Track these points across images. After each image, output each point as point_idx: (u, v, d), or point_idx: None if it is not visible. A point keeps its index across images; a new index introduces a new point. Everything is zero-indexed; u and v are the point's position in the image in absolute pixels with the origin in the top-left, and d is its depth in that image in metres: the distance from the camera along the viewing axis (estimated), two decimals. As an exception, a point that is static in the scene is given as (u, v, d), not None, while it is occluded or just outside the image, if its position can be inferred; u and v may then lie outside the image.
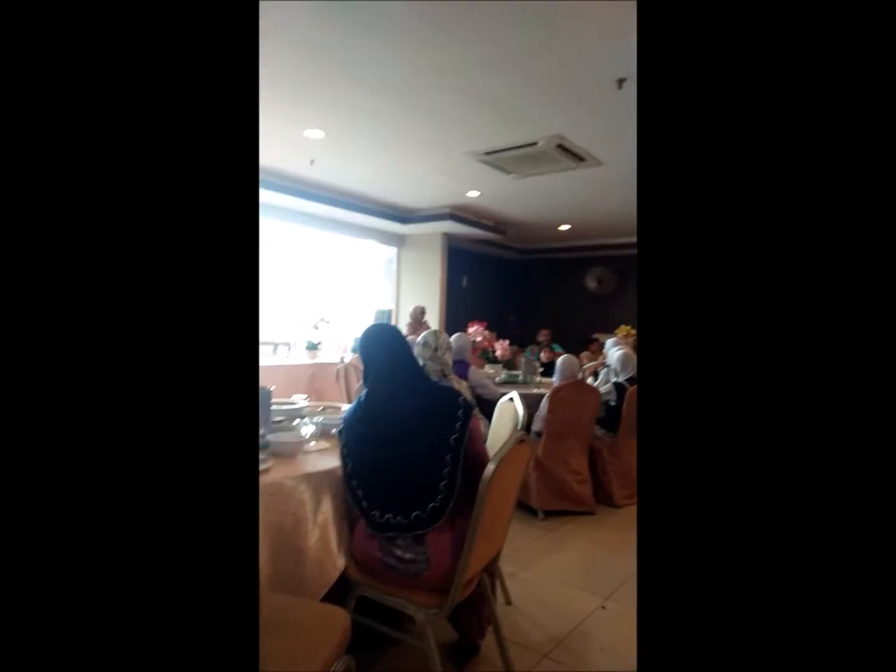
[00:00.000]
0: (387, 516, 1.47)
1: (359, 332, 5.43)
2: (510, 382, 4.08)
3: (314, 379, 5.00)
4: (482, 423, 2.37)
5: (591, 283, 7.90)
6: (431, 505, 1.44)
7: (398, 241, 6.92)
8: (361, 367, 1.59)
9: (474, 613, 1.74)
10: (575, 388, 3.27)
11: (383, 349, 1.60)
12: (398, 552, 1.47)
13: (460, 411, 1.48)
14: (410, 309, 5.63)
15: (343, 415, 1.66)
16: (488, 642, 1.81)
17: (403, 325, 5.50)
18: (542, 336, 6.17)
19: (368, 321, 6.57)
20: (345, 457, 1.57)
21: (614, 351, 3.82)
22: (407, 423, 1.49)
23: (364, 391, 1.61)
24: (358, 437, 1.55)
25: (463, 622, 1.77)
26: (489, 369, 4.30)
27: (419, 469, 1.46)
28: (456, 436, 1.45)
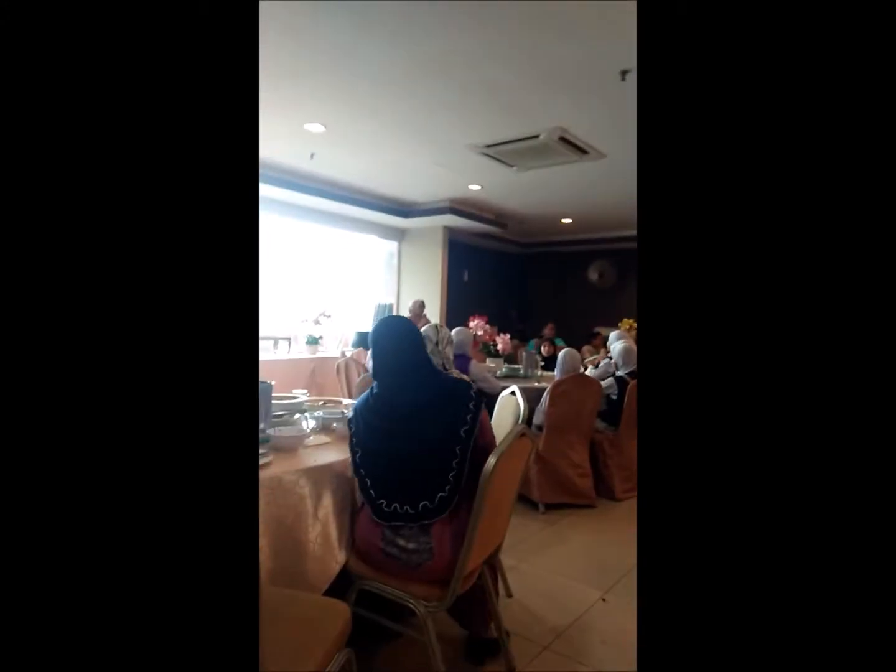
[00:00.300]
0: (394, 505, 1.48)
1: (360, 326, 5.41)
2: (511, 376, 4.08)
3: (315, 373, 5.01)
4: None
5: (593, 277, 7.89)
6: (440, 495, 1.45)
7: (399, 235, 6.91)
8: (370, 358, 1.58)
9: (478, 607, 1.74)
10: (576, 381, 3.27)
11: (396, 342, 1.60)
12: (401, 542, 1.48)
13: (471, 403, 1.50)
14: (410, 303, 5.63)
15: (342, 408, 1.65)
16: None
17: (404, 320, 5.48)
18: (548, 330, 6.16)
19: (369, 315, 6.58)
20: (354, 445, 1.58)
21: (617, 344, 3.81)
22: (418, 415, 1.50)
23: (375, 382, 1.61)
24: (368, 426, 1.55)
25: (466, 616, 1.77)
26: (490, 363, 4.30)
27: (429, 459, 1.47)
28: (467, 427, 1.47)
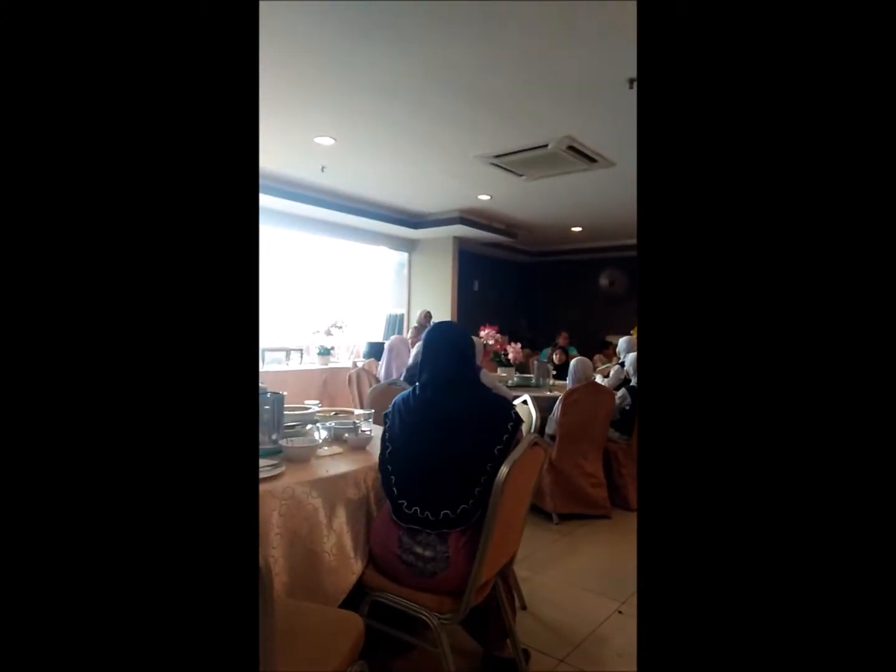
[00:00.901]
0: (415, 508, 1.47)
1: (371, 337, 5.42)
2: (523, 385, 4.07)
3: (327, 384, 5.03)
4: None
5: (604, 285, 7.87)
6: (462, 507, 1.45)
7: (409, 245, 6.95)
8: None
9: (493, 622, 1.71)
10: (588, 390, 3.24)
11: (451, 349, 1.61)
12: (419, 549, 1.47)
13: (510, 423, 1.51)
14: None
15: (354, 418, 1.65)
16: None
17: (411, 330, 5.53)
18: (561, 339, 6.13)
19: (380, 326, 6.60)
20: (385, 440, 1.59)
21: (631, 354, 3.78)
22: (457, 425, 1.51)
23: (419, 383, 1.62)
24: (405, 424, 1.56)
25: (481, 632, 1.74)
26: (501, 373, 4.29)
27: (458, 470, 1.47)
28: (500, 447, 1.48)
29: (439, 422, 1.52)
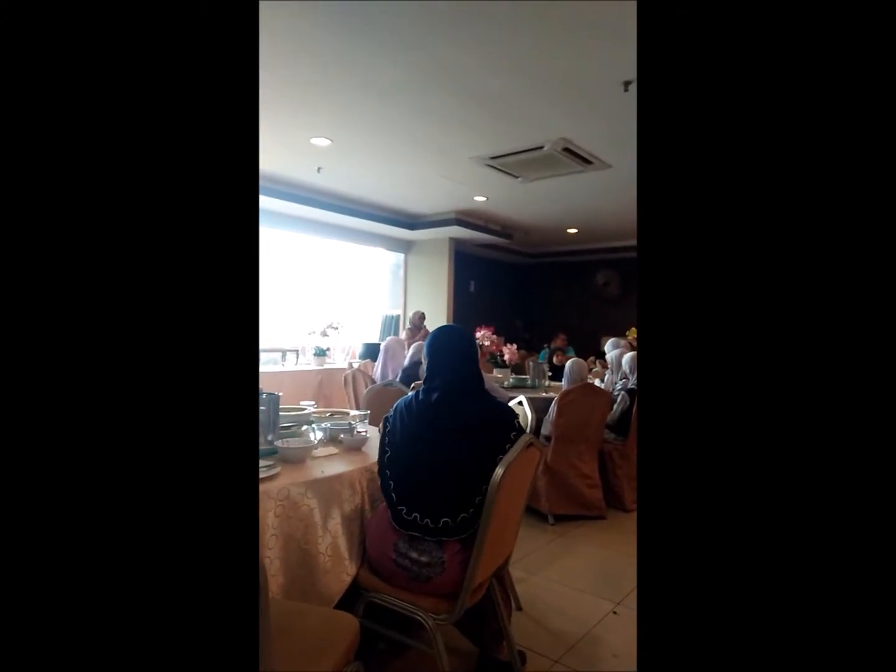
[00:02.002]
0: (414, 515, 1.47)
1: (367, 338, 5.41)
2: (519, 387, 4.07)
3: (322, 385, 5.02)
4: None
5: (599, 287, 7.89)
6: (462, 515, 1.45)
7: (405, 246, 6.95)
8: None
9: (489, 624, 1.71)
10: (584, 391, 3.25)
11: (457, 355, 1.60)
12: (414, 555, 1.46)
13: (513, 433, 1.50)
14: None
15: (349, 419, 1.65)
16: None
17: (405, 331, 5.54)
18: (559, 341, 6.14)
19: (376, 327, 6.60)
20: (385, 444, 1.57)
21: (622, 353, 3.79)
22: (461, 432, 1.50)
23: (423, 387, 1.61)
24: (406, 429, 1.55)
25: (477, 633, 1.74)
26: (497, 374, 4.29)
27: (459, 478, 1.46)
28: (502, 455, 1.46)
29: (443, 428, 1.51)
